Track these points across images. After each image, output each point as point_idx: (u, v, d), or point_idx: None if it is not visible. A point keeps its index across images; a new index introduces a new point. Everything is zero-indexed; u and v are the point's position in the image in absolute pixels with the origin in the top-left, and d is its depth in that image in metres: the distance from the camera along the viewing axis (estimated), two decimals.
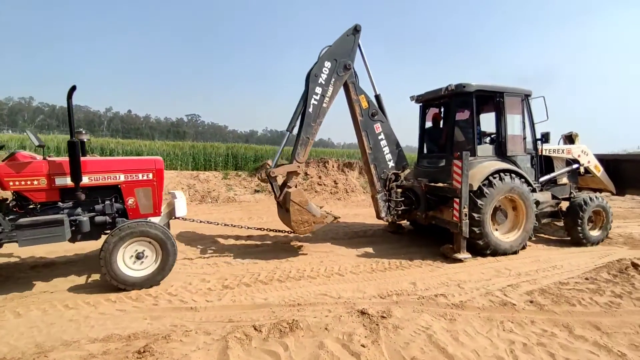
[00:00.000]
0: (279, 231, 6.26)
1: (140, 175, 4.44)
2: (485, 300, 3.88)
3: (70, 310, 3.58)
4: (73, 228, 4.03)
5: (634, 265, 4.74)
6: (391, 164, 6.28)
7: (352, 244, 6.29)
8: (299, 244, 6.38)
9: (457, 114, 6.19)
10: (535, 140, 6.44)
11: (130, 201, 4.41)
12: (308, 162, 12.42)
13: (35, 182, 3.94)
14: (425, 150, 6.99)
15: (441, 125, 6.86)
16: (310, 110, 5.59)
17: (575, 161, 6.93)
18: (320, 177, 12.29)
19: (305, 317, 3.37)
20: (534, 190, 5.98)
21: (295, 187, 5.80)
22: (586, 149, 7.06)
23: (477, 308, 3.69)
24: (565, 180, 6.91)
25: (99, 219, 4.24)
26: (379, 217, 6.32)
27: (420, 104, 6.97)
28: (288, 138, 5.75)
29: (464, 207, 5.19)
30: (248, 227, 6.56)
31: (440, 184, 5.84)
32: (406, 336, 3.07)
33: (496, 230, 5.75)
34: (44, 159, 4.08)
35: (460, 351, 2.89)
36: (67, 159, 4.00)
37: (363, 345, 2.90)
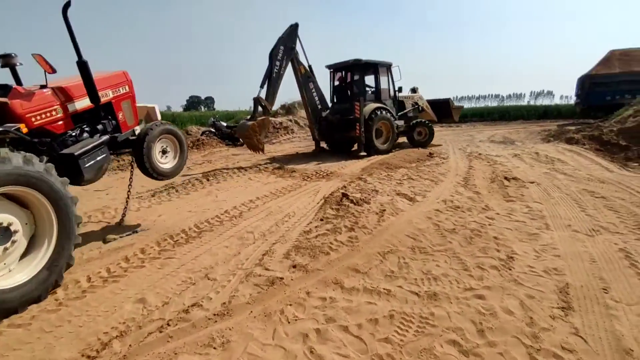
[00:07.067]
0: None
1: (121, 89, 4.31)
2: (250, 288, 2.95)
3: None
4: None
5: (344, 195, 5.26)
6: (319, 107, 10.96)
7: None
8: None
9: (354, 77, 11.19)
10: (394, 92, 11.70)
11: (120, 115, 4.27)
12: None
13: (54, 113, 3.42)
14: (335, 99, 11.72)
15: (343, 84, 11.61)
16: (274, 75, 9.45)
17: (416, 104, 12.37)
18: None
19: None
20: (394, 120, 11.07)
21: None
22: (421, 96, 12.87)
23: (247, 305, 2.70)
24: (411, 114, 12.16)
25: (103, 138, 4.01)
26: (315, 139, 11.53)
27: (332, 70, 11.70)
28: None
29: (362, 127, 10.03)
30: None
31: (349, 117, 10.28)
32: None
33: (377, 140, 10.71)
34: (43, 87, 3.43)
35: None
36: (71, 82, 3.68)
37: None
